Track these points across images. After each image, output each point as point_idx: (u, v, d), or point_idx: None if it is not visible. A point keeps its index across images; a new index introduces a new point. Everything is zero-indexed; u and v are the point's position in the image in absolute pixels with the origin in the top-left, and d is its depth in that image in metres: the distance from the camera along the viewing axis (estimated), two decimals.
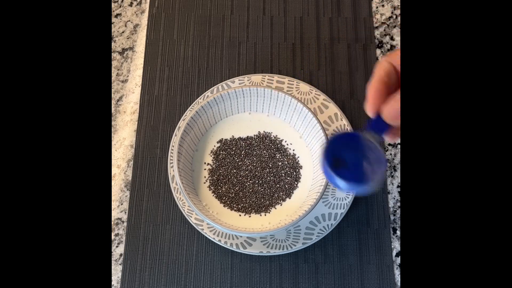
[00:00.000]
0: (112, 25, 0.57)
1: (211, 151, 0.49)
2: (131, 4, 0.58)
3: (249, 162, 0.48)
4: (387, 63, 0.32)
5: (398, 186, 0.50)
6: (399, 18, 0.56)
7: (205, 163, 0.48)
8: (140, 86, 0.54)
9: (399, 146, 0.51)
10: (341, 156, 0.30)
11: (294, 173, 0.47)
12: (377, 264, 0.47)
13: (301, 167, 0.48)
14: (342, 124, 0.49)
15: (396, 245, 0.48)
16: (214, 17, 0.57)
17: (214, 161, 0.48)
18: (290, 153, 0.48)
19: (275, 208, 0.46)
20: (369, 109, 0.31)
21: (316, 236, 0.46)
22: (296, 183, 0.47)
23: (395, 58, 0.32)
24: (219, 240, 0.46)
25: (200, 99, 0.51)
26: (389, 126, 0.30)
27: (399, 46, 0.31)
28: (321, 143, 0.45)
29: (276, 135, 0.49)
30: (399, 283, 0.46)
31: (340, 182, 0.30)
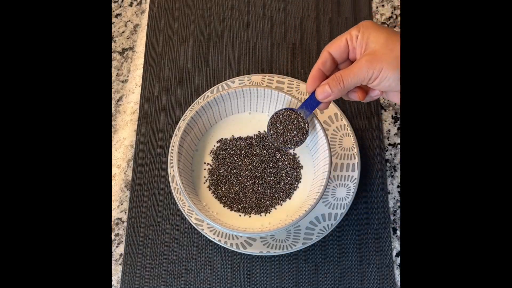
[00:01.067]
0: (112, 25, 0.57)
1: (211, 151, 0.49)
2: (131, 4, 0.58)
3: (249, 162, 0.48)
4: (326, 52, 0.39)
5: (398, 186, 0.50)
6: (399, 18, 0.56)
7: (205, 163, 0.48)
8: (140, 86, 0.54)
9: (399, 146, 0.51)
10: (279, 123, 0.44)
11: (295, 173, 0.47)
12: (377, 264, 0.47)
13: (301, 167, 0.48)
14: (342, 124, 0.49)
15: (396, 245, 0.48)
16: (214, 17, 0.57)
17: (214, 161, 0.48)
18: (290, 153, 0.48)
19: (275, 209, 0.46)
20: (308, 89, 0.41)
21: (316, 236, 0.46)
22: (296, 183, 0.47)
23: (332, 47, 0.39)
24: (219, 240, 0.46)
25: (200, 99, 0.51)
26: (319, 103, 0.41)
27: (340, 36, 0.39)
28: (321, 143, 0.45)
29: None
30: (399, 283, 0.46)
31: (275, 143, 0.44)
